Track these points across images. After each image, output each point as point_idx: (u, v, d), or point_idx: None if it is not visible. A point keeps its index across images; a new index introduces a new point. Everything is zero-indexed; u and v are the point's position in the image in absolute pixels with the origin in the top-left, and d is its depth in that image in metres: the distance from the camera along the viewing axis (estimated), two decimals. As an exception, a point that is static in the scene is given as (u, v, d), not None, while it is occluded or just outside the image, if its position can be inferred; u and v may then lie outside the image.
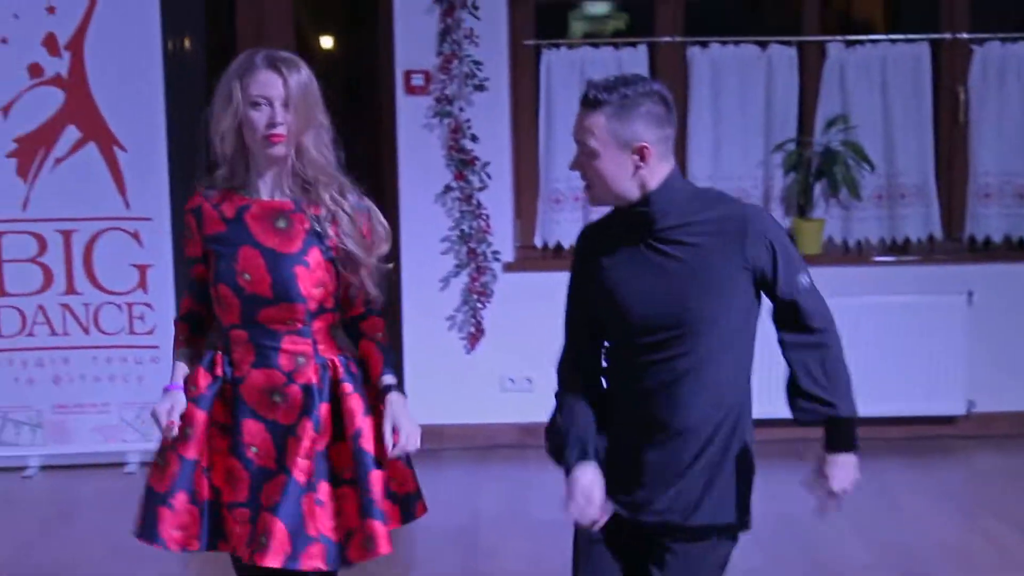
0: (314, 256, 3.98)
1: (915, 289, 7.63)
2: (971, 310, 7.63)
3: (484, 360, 7.67)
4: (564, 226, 7.73)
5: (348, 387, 4.08)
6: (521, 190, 7.79)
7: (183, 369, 4.12)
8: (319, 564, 3.98)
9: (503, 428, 7.69)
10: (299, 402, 4.03)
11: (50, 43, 7.24)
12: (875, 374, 7.52)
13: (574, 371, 4.11)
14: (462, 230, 7.57)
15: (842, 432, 3.89)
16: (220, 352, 4.10)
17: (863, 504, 6.69)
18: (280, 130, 3.89)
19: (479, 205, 7.58)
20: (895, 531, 6.39)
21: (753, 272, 3.74)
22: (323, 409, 4.06)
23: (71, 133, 7.27)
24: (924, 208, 7.78)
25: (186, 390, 4.09)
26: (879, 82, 7.76)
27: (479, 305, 7.62)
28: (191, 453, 4.05)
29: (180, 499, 4.05)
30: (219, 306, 4.04)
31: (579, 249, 3.96)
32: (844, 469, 3.89)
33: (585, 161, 3.69)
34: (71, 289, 7.28)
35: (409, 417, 4.09)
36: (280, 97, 3.89)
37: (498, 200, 7.63)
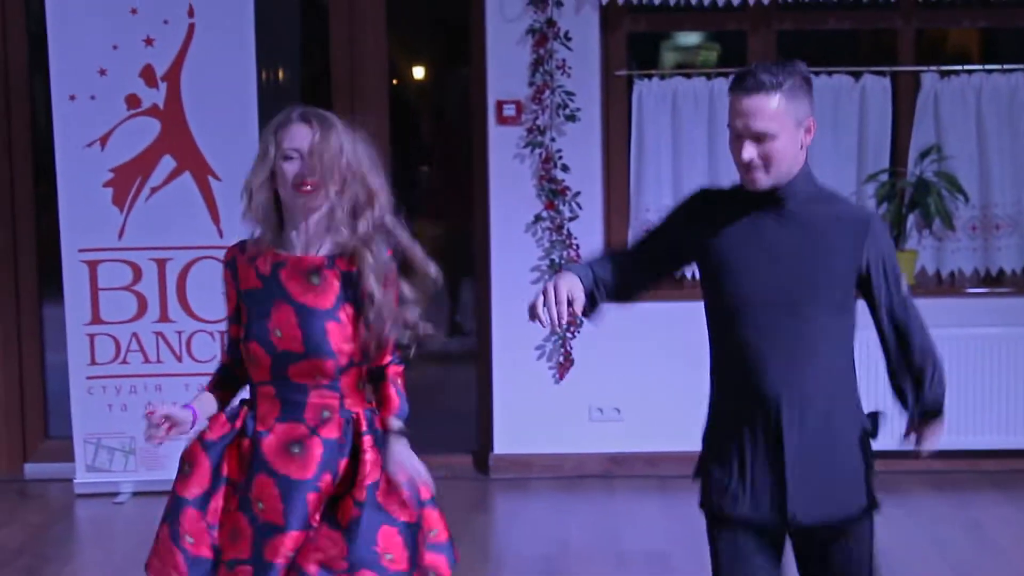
0: (347, 311, 4.04)
1: (1009, 321, 7.55)
2: (1066, 342, 7.55)
3: (573, 390, 7.66)
4: (654, 256, 7.70)
5: (368, 440, 4.09)
6: (611, 220, 7.79)
7: (201, 402, 4.16)
8: None
9: (591, 458, 7.68)
10: (318, 457, 4.04)
11: (148, 74, 7.34)
12: (968, 406, 7.46)
13: (619, 262, 4.17)
14: (552, 260, 7.58)
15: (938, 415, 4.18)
16: (246, 407, 4.14)
17: (953, 537, 6.62)
18: (310, 181, 3.96)
19: (569, 235, 7.59)
20: (987, 566, 6.31)
21: (861, 269, 3.92)
22: (341, 464, 4.09)
23: (167, 163, 7.36)
24: (1018, 239, 7.70)
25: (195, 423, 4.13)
26: (973, 112, 7.70)
27: (568, 335, 7.62)
28: (187, 492, 4.07)
29: (163, 532, 4.10)
30: (250, 363, 4.08)
31: (694, 206, 4.07)
32: (936, 432, 4.22)
33: (763, 145, 3.81)
34: (164, 317, 7.36)
35: (411, 457, 4.14)
36: (308, 149, 3.96)
37: (589, 230, 7.63)
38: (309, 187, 3.97)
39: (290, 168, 3.98)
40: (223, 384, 4.26)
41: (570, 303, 4.00)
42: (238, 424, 4.10)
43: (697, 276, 4.13)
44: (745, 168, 3.86)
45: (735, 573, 4.09)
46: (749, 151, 3.82)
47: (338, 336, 4.03)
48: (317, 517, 4.04)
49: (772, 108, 3.80)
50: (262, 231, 4.09)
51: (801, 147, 3.88)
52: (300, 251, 4.06)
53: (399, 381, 4.20)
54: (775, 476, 3.98)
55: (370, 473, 4.08)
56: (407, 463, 4.10)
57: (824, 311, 3.93)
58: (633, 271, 4.16)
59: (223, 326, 7.28)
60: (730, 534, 4.09)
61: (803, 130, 3.87)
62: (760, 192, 3.92)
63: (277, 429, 4.06)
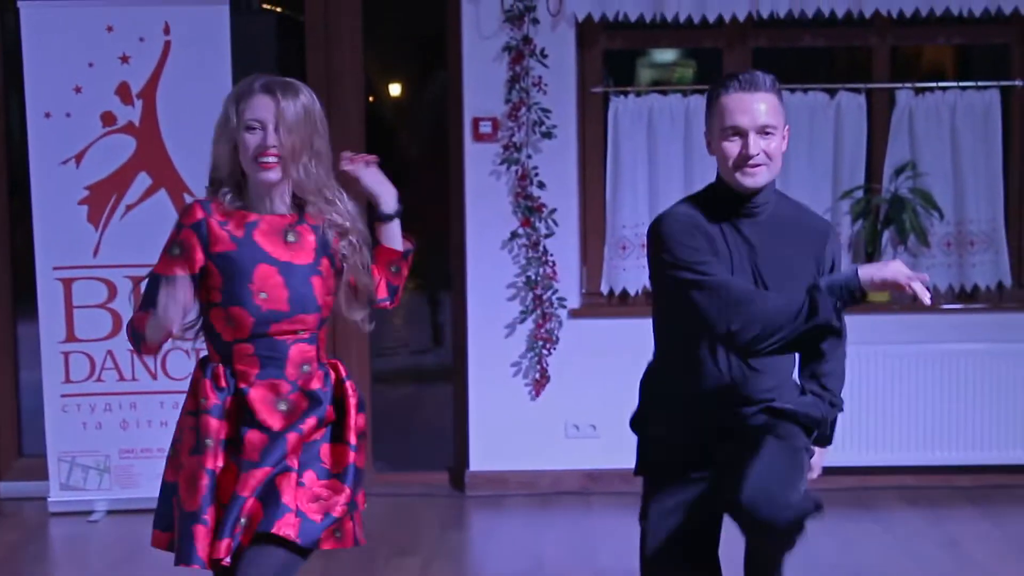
0: (325, 265, 4.10)
1: (983, 338, 7.57)
2: (1041, 359, 7.57)
3: (549, 407, 7.65)
4: (630, 273, 7.72)
5: (351, 385, 4.18)
6: (588, 237, 7.80)
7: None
8: (290, 532, 3.98)
9: (567, 474, 7.67)
10: (302, 408, 4.06)
11: (123, 92, 7.32)
12: (943, 422, 7.49)
13: None
14: (528, 276, 7.58)
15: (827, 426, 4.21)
16: (220, 365, 4.10)
17: (929, 553, 6.63)
18: (269, 155, 3.95)
19: (545, 252, 7.59)
20: (963, 582, 6.33)
21: (818, 268, 4.09)
22: (328, 410, 4.11)
23: (142, 180, 7.35)
24: (993, 255, 7.72)
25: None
26: (948, 129, 7.71)
27: (544, 352, 7.61)
28: (210, 463, 4.06)
29: (211, 513, 4.07)
30: (224, 326, 4.04)
31: (693, 227, 4.13)
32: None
33: (767, 140, 3.95)
34: (140, 335, 7.33)
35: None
36: (272, 121, 3.94)
37: (565, 247, 7.63)
38: (271, 160, 3.96)
39: (252, 140, 3.96)
40: None
41: None
42: (223, 384, 4.08)
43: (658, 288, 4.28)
44: (747, 164, 3.92)
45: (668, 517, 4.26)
46: (757, 145, 3.88)
47: (321, 289, 4.08)
48: (295, 460, 4.04)
49: (773, 105, 3.95)
50: (230, 194, 4.06)
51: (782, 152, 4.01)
52: (268, 212, 4.06)
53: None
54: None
55: (352, 422, 4.12)
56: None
57: None
58: None
59: (199, 343, 7.33)
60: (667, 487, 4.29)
61: (784, 135, 4.01)
62: (733, 199, 3.97)
63: (258, 385, 4.05)
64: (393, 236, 4.38)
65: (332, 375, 4.17)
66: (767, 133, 3.95)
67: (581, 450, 7.68)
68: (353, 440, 4.15)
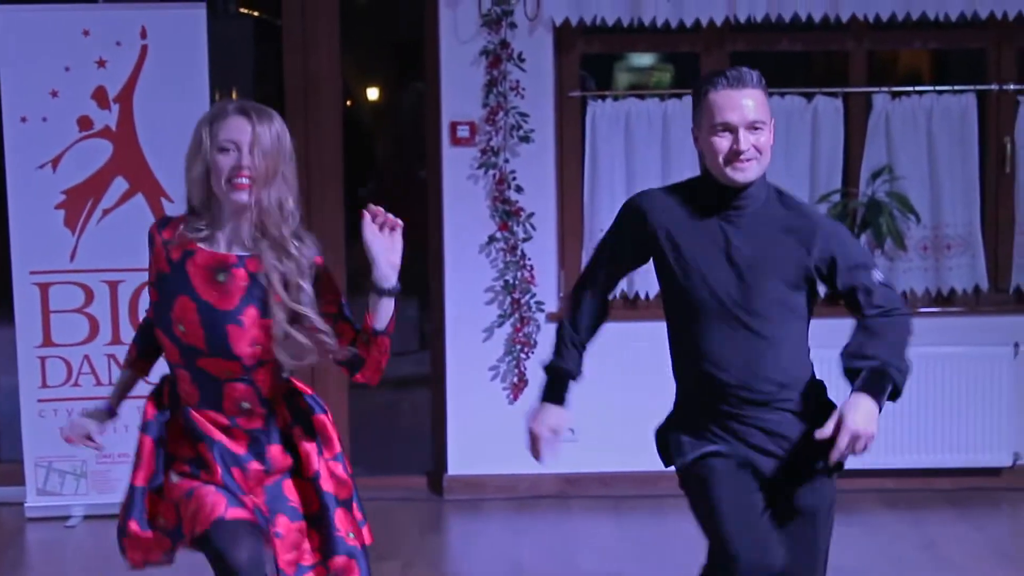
0: (250, 315, 3.96)
1: (961, 340, 7.59)
2: (1017, 362, 7.58)
3: (527, 410, 7.62)
4: (608, 277, 7.71)
5: (299, 430, 4.10)
6: (565, 241, 7.80)
7: (120, 390, 4.26)
8: None
9: (545, 478, 7.66)
10: (245, 444, 4.04)
11: (100, 96, 7.30)
12: (920, 425, 7.51)
13: (588, 312, 4.47)
14: (506, 280, 7.58)
15: (875, 381, 4.02)
16: (168, 383, 4.11)
17: (908, 555, 6.64)
18: (243, 176, 3.89)
19: (523, 256, 7.58)
20: (940, 584, 6.35)
21: (811, 272, 4.08)
22: (273, 450, 4.07)
23: (119, 184, 7.33)
24: (970, 259, 7.73)
25: (112, 411, 4.21)
26: (925, 133, 7.72)
27: (523, 355, 7.61)
28: (138, 480, 4.10)
29: (132, 527, 4.08)
30: (162, 346, 4.06)
31: (637, 212, 4.24)
32: (861, 413, 3.97)
33: (756, 135, 4.00)
34: (117, 339, 7.31)
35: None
36: (248, 142, 3.89)
37: (542, 251, 7.63)
38: (244, 180, 3.89)
39: (225, 161, 3.90)
40: (146, 352, 4.25)
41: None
42: (165, 400, 4.09)
43: (656, 276, 4.30)
44: (737, 160, 3.95)
45: (724, 488, 4.16)
46: (747, 140, 3.92)
47: (241, 339, 3.95)
48: (263, 506, 4.04)
49: (760, 100, 4.01)
50: (197, 221, 4.01)
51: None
52: (222, 248, 3.98)
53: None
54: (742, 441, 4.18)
55: (312, 462, 4.09)
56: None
57: (776, 313, 4.08)
58: (602, 306, 4.48)
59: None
60: (713, 462, 4.21)
61: (771, 129, 4.06)
62: (720, 192, 4.01)
63: (200, 413, 4.04)
64: (381, 313, 4.01)
65: (277, 417, 4.12)
66: (756, 128, 3.99)
67: (559, 454, 7.65)
68: (316, 472, 4.10)
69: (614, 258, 4.39)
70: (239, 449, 4.04)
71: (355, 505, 4.19)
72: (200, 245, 3.98)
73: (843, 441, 3.94)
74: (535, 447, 4.43)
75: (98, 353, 7.32)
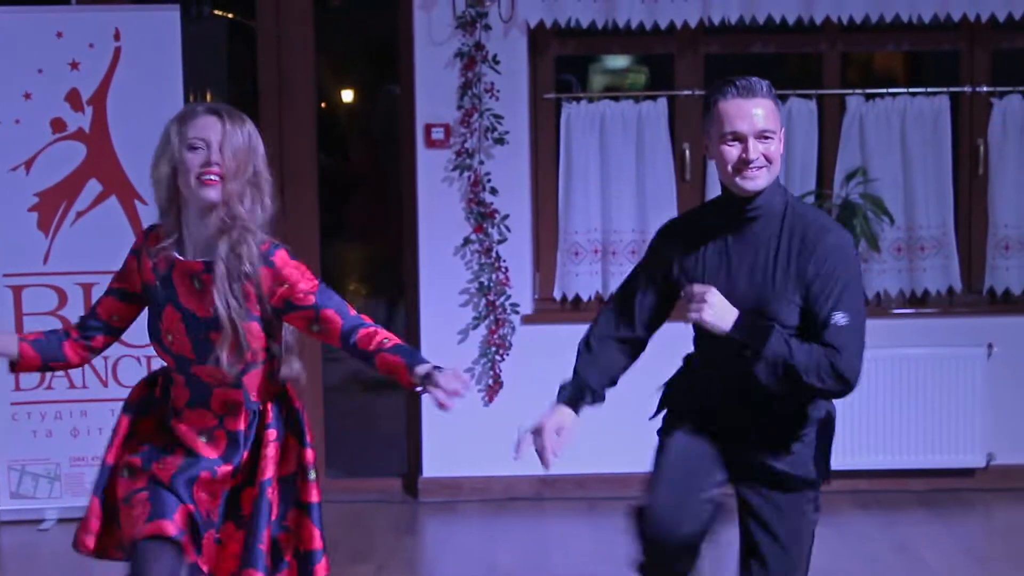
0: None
1: (934, 341, 7.61)
2: (990, 363, 7.61)
3: (502, 412, 7.64)
4: (583, 278, 7.73)
5: (272, 433, 4.09)
6: (540, 243, 7.80)
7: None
8: None
9: (521, 480, 7.66)
10: (223, 446, 4.03)
11: (73, 98, 7.28)
12: (894, 426, 7.53)
13: (606, 333, 4.53)
14: (481, 283, 7.58)
15: (757, 327, 4.09)
16: (163, 377, 4.12)
17: (881, 556, 6.66)
18: (214, 171, 3.88)
19: (498, 258, 7.58)
20: (914, 585, 6.36)
21: (805, 288, 4.07)
22: (244, 456, 4.07)
23: (92, 187, 7.30)
24: (943, 260, 7.76)
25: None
26: (898, 135, 7.74)
27: (497, 357, 7.61)
28: (109, 458, 4.12)
29: (94, 504, 4.09)
30: (157, 353, 4.09)
31: (655, 247, 4.36)
32: (720, 303, 4.11)
33: (765, 144, 4.02)
34: (91, 342, 7.29)
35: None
36: (217, 140, 3.88)
37: (517, 253, 7.64)
38: (214, 177, 3.88)
39: (194, 158, 3.89)
40: (48, 334, 4.25)
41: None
42: (157, 393, 4.09)
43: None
44: (747, 168, 3.96)
45: (675, 451, 4.34)
46: (756, 149, 3.93)
47: (222, 345, 3.96)
48: (203, 497, 4.03)
49: (770, 110, 4.04)
50: (167, 227, 4.01)
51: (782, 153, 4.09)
52: (190, 250, 3.98)
53: (377, 341, 4.03)
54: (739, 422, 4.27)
55: (266, 468, 4.07)
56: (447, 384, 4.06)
57: (788, 330, 4.11)
58: (633, 339, 4.49)
59: (150, 351, 7.29)
60: (685, 426, 4.37)
61: (781, 138, 4.08)
62: (731, 203, 4.03)
63: (187, 415, 4.06)
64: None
65: (258, 420, 4.12)
66: (766, 137, 4.00)
67: (535, 456, 7.64)
68: (256, 492, 4.08)
69: (640, 287, 4.43)
70: (212, 453, 4.04)
71: (312, 531, 4.19)
72: (175, 254, 3.98)
73: (691, 292, 4.13)
74: (539, 443, 4.54)
75: (72, 356, 7.30)
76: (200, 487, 4.02)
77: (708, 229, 4.17)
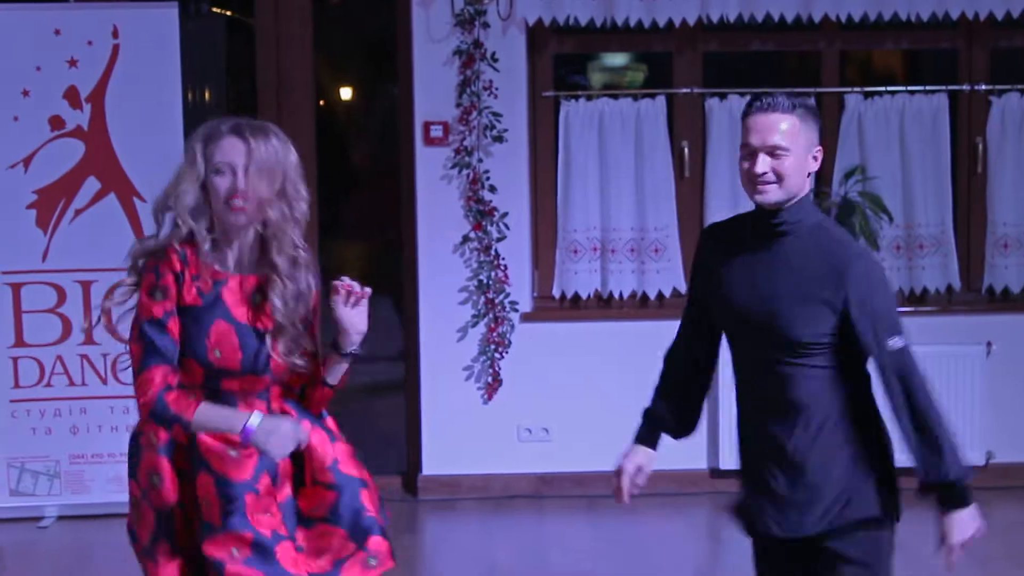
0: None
1: (933, 340, 7.59)
2: (989, 361, 7.61)
3: (501, 410, 7.65)
4: (581, 276, 7.73)
5: (306, 424, 4.07)
6: (539, 241, 7.80)
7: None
8: None
9: (520, 478, 7.67)
10: (254, 460, 4.01)
11: (72, 96, 7.29)
12: (892, 424, 7.51)
13: (677, 359, 4.39)
14: (480, 280, 7.58)
15: (952, 492, 4.22)
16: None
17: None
18: (240, 198, 3.86)
19: (497, 255, 7.58)
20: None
21: (839, 315, 4.00)
22: (281, 463, 4.05)
23: (91, 184, 7.31)
24: (942, 258, 7.76)
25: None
26: (897, 133, 7.75)
27: (496, 355, 7.61)
28: (165, 500, 4.04)
29: (163, 548, 4.05)
30: (182, 370, 3.98)
31: (701, 247, 4.30)
32: (960, 524, 4.24)
33: (776, 160, 3.98)
34: (89, 339, 7.29)
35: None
36: (243, 163, 3.86)
37: (516, 250, 7.64)
38: (241, 203, 3.87)
39: (222, 183, 3.86)
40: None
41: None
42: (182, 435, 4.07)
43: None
44: (758, 182, 3.97)
45: None
46: (764, 163, 3.94)
47: (274, 354, 3.98)
48: (283, 527, 4.02)
49: (787, 126, 3.98)
50: (201, 245, 3.95)
51: (808, 173, 4.03)
52: (234, 265, 3.97)
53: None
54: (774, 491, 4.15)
55: (326, 454, 4.08)
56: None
57: (801, 348, 4.05)
58: (698, 350, 4.37)
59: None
60: (761, 550, 4.30)
61: (811, 157, 4.03)
62: (763, 220, 4.02)
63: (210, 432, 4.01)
64: (337, 370, 4.12)
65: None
66: (778, 153, 3.98)
67: (534, 453, 7.69)
68: (330, 479, 4.10)
69: (692, 298, 4.39)
70: (244, 474, 4.00)
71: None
72: (224, 271, 3.97)
73: (955, 555, 4.25)
74: (616, 483, 4.43)
75: (71, 353, 7.31)
76: (254, 510, 4.00)
77: (742, 239, 4.16)
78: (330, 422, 4.23)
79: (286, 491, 4.07)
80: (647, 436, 4.37)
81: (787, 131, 3.99)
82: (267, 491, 4.01)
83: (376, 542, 4.10)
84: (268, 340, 3.97)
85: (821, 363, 4.06)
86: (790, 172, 3.99)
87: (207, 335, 3.93)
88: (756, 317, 4.07)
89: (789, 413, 4.09)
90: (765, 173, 4.00)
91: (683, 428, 4.38)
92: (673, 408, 4.36)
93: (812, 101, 4.15)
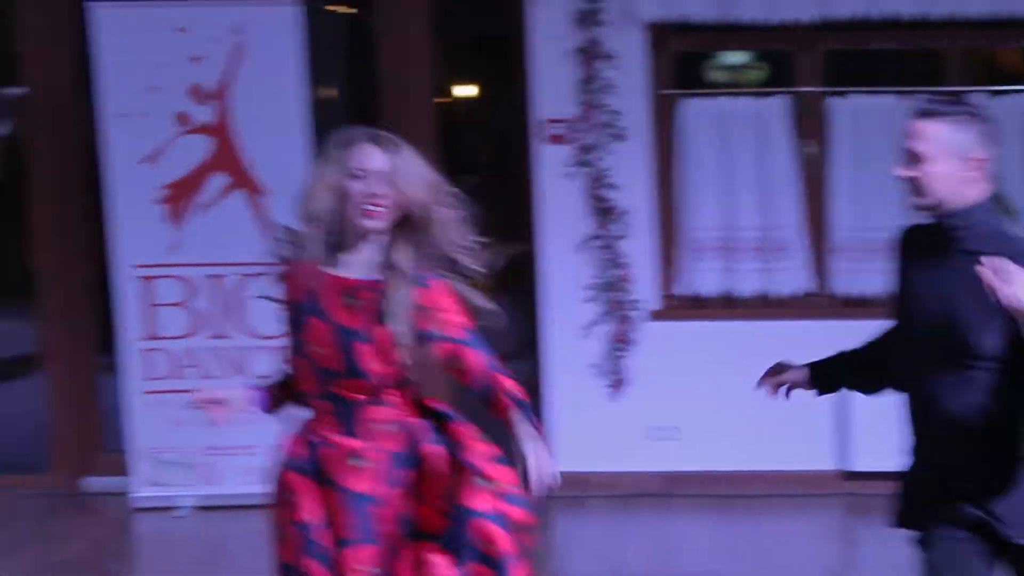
0: (380, 334, 4.02)
1: None
2: None
3: (629, 408, 7.64)
4: (705, 275, 7.73)
5: (428, 448, 4.12)
6: (661, 239, 7.79)
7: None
8: None
9: (648, 477, 7.67)
10: (380, 471, 4.08)
11: (196, 92, 7.39)
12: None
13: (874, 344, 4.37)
14: (603, 279, 7.59)
15: None
16: (311, 420, 4.17)
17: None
18: (375, 202, 3.97)
19: (620, 254, 7.60)
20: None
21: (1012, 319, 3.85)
22: (409, 476, 4.11)
23: (218, 180, 7.41)
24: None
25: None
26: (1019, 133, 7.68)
27: (623, 354, 7.62)
28: (300, 516, 4.11)
29: (315, 568, 4.12)
30: (299, 377, 4.11)
31: (895, 248, 4.25)
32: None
33: (917, 167, 3.96)
34: (221, 333, 7.43)
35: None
36: (378, 171, 3.98)
37: (639, 249, 7.65)
38: (376, 208, 3.99)
39: (358, 188, 3.99)
40: (282, 385, 4.29)
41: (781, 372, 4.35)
42: (312, 439, 4.16)
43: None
44: (905, 187, 4.00)
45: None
46: (901, 169, 3.96)
47: (370, 357, 4.02)
48: (397, 531, 4.10)
49: (932, 133, 3.96)
50: (313, 245, 4.08)
51: (965, 181, 3.94)
52: (345, 269, 4.06)
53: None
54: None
55: (445, 475, 4.13)
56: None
57: (971, 352, 3.96)
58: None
59: (279, 342, 7.40)
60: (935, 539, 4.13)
61: (967, 164, 3.95)
62: (940, 227, 4.02)
63: (334, 441, 4.10)
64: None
65: (411, 437, 4.15)
66: (917, 159, 3.98)
67: (662, 452, 7.63)
68: (445, 507, 4.13)
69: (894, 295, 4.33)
70: (362, 484, 4.09)
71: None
72: (328, 270, 4.07)
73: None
74: (769, 373, 4.44)
75: (202, 346, 7.41)
76: (376, 523, 4.08)
77: (927, 243, 4.13)
78: (462, 431, 4.29)
79: (409, 506, 4.18)
80: (821, 366, 4.39)
81: (931, 138, 3.96)
82: (397, 503, 4.15)
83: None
84: (367, 342, 4.04)
85: (996, 369, 3.99)
86: (930, 180, 3.96)
87: (306, 331, 4.04)
88: (939, 328, 4.01)
89: (971, 423, 4.01)
90: (910, 178, 4.01)
91: (865, 384, 4.41)
92: (857, 366, 4.38)
93: (975, 106, 4.08)
